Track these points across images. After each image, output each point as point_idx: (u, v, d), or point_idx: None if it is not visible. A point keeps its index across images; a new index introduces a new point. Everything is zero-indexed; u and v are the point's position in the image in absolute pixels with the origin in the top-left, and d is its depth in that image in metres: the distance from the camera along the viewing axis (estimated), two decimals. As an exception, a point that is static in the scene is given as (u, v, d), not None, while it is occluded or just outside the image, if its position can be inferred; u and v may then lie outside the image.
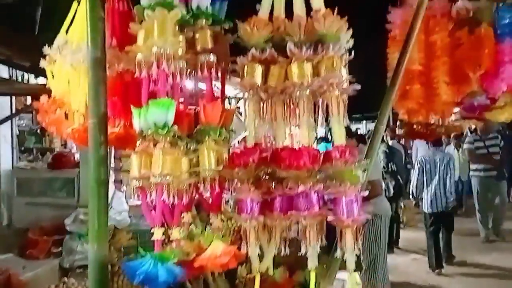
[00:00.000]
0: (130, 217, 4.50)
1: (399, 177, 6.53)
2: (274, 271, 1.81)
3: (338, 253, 1.58)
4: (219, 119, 1.65)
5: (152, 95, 1.58)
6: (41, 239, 4.21)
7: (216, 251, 1.61)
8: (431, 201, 5.45)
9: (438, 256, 5.42)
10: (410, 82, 2.27)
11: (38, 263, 3.94)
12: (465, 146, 7.28)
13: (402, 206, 7.16)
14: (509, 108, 2.31)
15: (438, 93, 2.25)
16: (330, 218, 1.54)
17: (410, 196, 6.64)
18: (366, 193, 1.59)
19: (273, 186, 1.60)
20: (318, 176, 1.62)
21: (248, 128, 1.65)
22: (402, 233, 7.07)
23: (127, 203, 4.41)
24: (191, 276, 1.68)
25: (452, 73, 2.26)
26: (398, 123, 4.04)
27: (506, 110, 2.31)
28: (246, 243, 1.60)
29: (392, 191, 6.40)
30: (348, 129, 5.64)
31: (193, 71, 1.70)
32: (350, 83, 1.67)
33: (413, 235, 7.09)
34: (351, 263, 1.55)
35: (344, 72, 1.67)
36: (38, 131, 6.23)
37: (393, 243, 6.36)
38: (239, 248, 1.64)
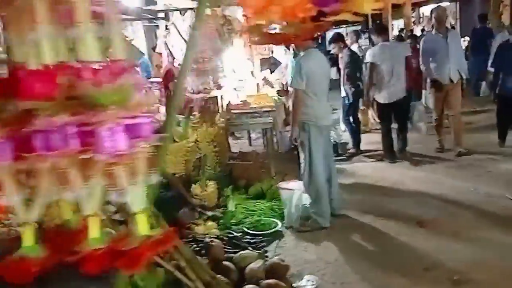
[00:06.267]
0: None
1: (359, 83, 6.23)
2: (74, 216, 1.48)
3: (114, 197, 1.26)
4: None
5: None
6: None
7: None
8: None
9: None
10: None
11: None
12: None
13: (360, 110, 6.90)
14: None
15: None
16: (85, 155, 1.20)
17: None
18: (148, 117, 1.22)
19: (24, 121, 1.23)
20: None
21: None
22: (365, 137, 6.96)
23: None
24: None
25: None
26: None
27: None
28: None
29: (351, 98, 6.17)
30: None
31: None
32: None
33: (376, 138, 6.99)
34: (133, 205, 1.26)
35: None
36: None
37: (356, 148, 6.27)
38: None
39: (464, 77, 5.55)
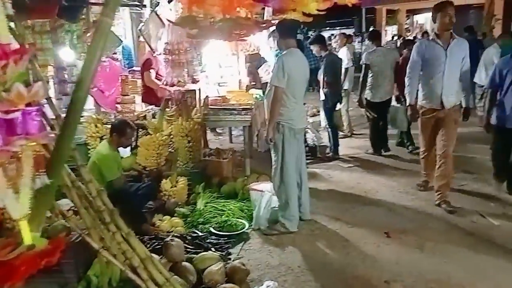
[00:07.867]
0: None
1: (337, 87, 6.19)
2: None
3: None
4: None
5: None
6: None
7: None
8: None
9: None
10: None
11: None
12: None
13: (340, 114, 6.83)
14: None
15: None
16: None
17: None
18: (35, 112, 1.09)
19: None
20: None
21: None
22: (346, 142, 6.93)
23: None
24: None
25: None
26: None
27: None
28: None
29: (330, 102, 6.12)
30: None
31: None
32: None
33: (356, 143, 6.97)
34: (13, 211, 1.11)
35: None
36: None
37: (334, 152, 6.20)
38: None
39: (464, 104, 4.27)
